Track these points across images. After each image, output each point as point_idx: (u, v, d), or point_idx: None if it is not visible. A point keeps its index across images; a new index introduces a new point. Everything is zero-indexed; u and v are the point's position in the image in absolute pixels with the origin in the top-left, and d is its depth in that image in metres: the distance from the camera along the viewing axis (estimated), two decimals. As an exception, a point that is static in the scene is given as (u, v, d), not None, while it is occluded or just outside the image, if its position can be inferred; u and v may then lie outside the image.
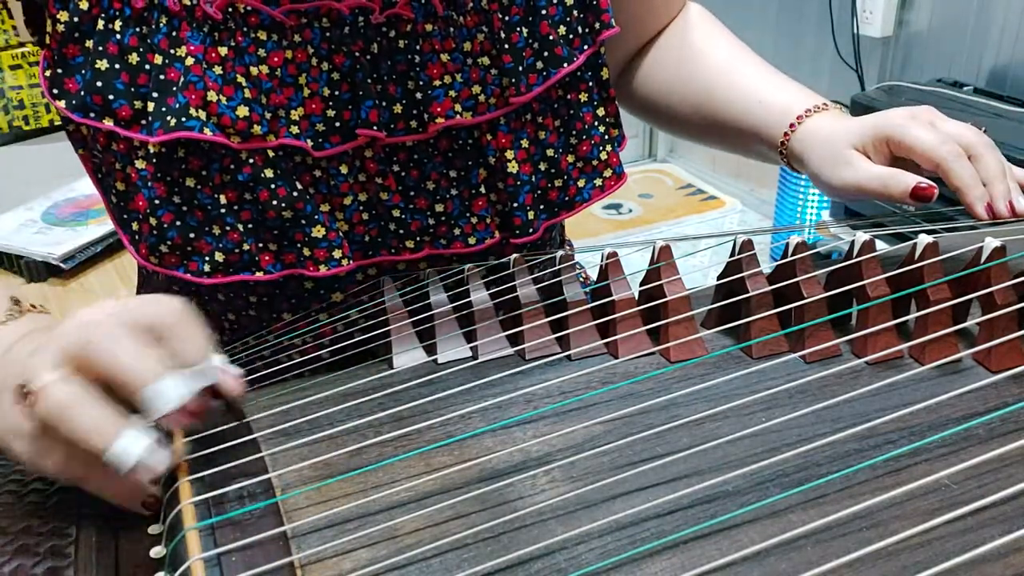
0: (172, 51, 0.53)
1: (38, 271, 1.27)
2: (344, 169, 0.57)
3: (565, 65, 0.60)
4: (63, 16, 0.53)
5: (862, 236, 0.52)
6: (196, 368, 0.40)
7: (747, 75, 0.72)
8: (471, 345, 0.54)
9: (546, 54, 0.60)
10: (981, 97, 1.66)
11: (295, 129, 0.55)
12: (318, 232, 0.57)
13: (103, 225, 1.33)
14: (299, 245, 0.57)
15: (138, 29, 0.53)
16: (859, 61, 2.03)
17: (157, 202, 0.55)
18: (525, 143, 0.61)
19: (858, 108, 1.72)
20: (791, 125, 0.67)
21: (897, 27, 1.98)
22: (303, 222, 0.56)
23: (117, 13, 0.53)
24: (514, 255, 0.56)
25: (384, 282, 0.57)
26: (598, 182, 0.65)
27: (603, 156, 0.65)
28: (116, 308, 0.40)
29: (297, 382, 0.53)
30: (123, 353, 0.38)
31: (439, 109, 0.57)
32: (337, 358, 0.55)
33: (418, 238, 0.61)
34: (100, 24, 0.53)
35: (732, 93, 0.72)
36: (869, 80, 2.03)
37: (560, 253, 0.56)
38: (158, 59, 0.53)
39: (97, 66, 0.53)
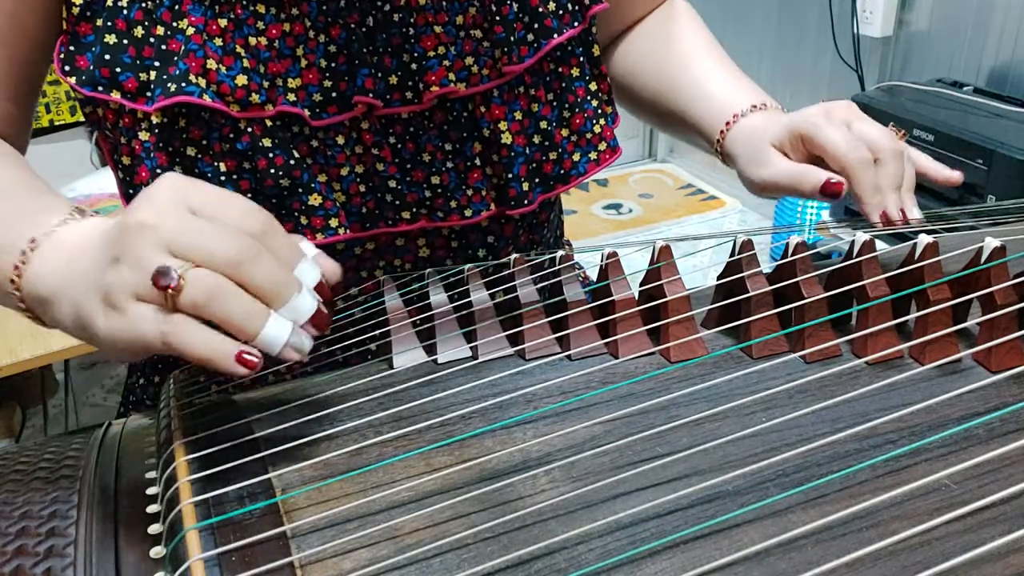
0: (174, 23, 0.54)
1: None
2: (341, 140, 0.59)
3: (555, 36, 0.62)
4: None
5: (862, 236, 0.52)
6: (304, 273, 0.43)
7: (703, 68, 0.73)
8: (471, 345, 0.54)
9: (536, 26, 0.61)
10: (981, 97, 1.66)
11: (292, 97, 0.57)
12: (315, 200, 0.58)
13: (103, 225, 1.33)
14: (296, 214, 0.58)
15: (143, 4, 0.54)
16: (859, 61, 2.03)
17: (159, 171, 0.56)
18: (519, 115, 0.62)
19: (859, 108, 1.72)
20: (727, 123, 0.68)
21: (897, 27, 1.98)
22: (300, 190, 0.57)
23: None
24: (514, 255, 0.56)
25: (384, 282, 0.57)
26: (593, 155, 0.66)
27: (596, 130, 0.66)
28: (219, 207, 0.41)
29: (297, 382, 0.53)
30: (262, 275, 0.40)
31: (433, 79, 0.58)
32: (337, 358, 0.55)
33: (414, 209, 0.62)
34: (109, 1, 0.54)
35: (684, 84, 0.73)
36: (869, 80, 2.03)
37: (560, 253, 0.56)
38: (160, 31, 0.55)
39: (106, 40, 0.55)
